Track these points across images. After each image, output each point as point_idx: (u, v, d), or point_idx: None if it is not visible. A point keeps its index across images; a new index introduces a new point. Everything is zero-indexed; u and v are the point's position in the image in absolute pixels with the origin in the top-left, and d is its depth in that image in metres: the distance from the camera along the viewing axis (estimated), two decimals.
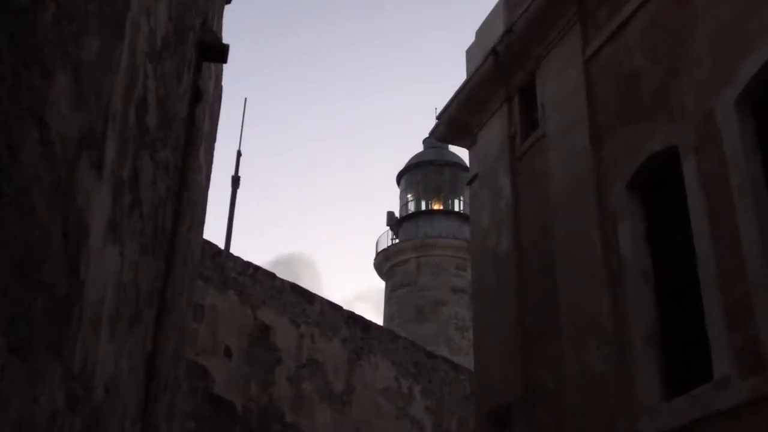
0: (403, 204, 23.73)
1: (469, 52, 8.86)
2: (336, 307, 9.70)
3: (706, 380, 4.88)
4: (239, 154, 11.85)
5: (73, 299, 1.89)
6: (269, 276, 9.08)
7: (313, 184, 61.38)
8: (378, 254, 22.58)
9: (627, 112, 6.19)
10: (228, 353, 8.34)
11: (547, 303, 6.59)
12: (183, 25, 3.21)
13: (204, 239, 7.12)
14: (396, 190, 24.65)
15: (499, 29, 8.11)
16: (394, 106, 62.21)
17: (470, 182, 8.81)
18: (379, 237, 23.17)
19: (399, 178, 24.25)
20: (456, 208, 23.41)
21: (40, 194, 1.58)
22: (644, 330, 5.51)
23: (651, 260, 5.72)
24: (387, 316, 21.18)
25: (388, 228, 23.04)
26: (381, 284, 22.93)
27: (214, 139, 5.23)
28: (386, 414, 9.83)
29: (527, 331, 6.83)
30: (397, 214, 23.34)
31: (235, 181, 11.46)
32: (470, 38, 8.98)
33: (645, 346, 5.46)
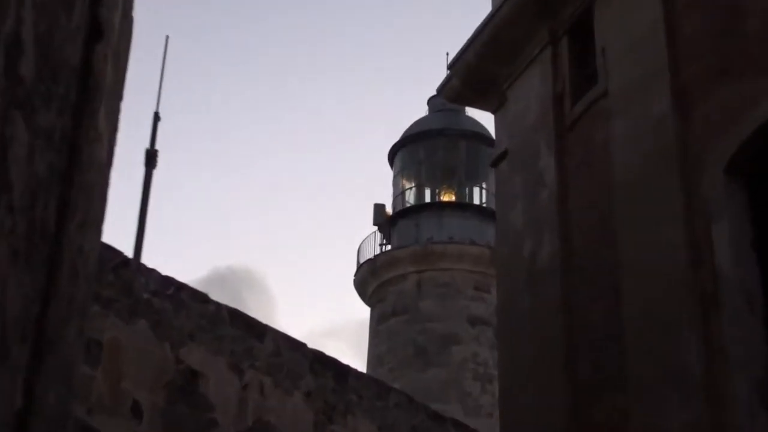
0: (398, 193, 23.78)
1: None
2: (297, 346, 9.71)
3: None
4: (157, 117, 11.82)
5: None
6: (199, 298, 9.07)
7: (266, 164, 61.18)
8: (360, 267, 22.62)
9: (726, 63, 6.23)
10: (137, 411, 8.33)
11: (608, 339, 6.63)
12: None
13: (103, 243, 7.11)
14: (387, 173, 24.73)
15: None
16: (386, 50, 62.09)
17: (497, 162, 8.83)
18: (362, 242, 23.27)
19: (392, 154, 24.30)
20: (475, 200, 23.49)
21: None
22: (749, 378, 5.55)
23: (760, 277, 5.77)
24: (373, 358, 21.24)
25: (376, 229, 23.07)
26: (364, 312, 22.93)
27: (120, 96, 5.23)
28: None
29: (578, 381, 6.87)
30: (388, 208, 23.38)
31: (151, 158, 11.42)
32: None
33: (750, 402, 5.49)
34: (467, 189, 23.68)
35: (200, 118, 62.08)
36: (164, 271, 8.95)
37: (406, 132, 24.14)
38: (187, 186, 61.11)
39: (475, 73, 8.72)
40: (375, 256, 22.40)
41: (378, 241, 22.96)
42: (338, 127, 61.56)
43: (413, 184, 23.88)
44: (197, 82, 61.27)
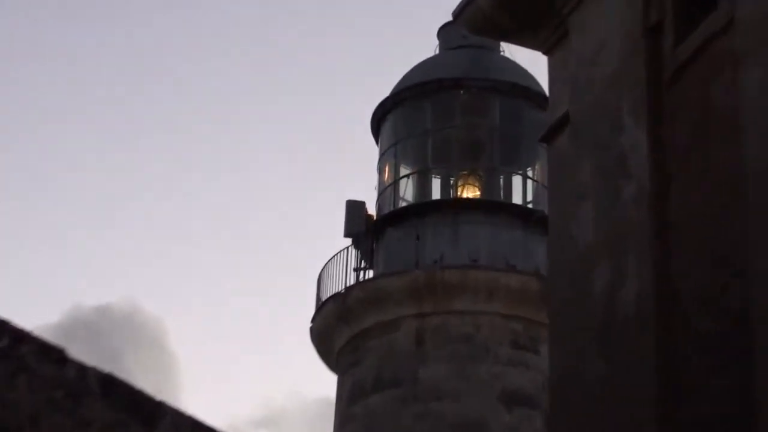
0: (387, 185, 23.78)
1: None
2: None
3: None
4: None
5: None
6: (51, 357, 8.96)
7: (167, 132, 61.19)
8: (322, 307, 22.67)
9: None
10: None
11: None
12: None
13: None
14: (371, 151, 24.73)
15: None
16: None
17: (551, 135, 9.00)
18: (326, 265, 23.31)
19: (378, 120, 24.27)
20: (515, 198, 23.55)
21: None
22: None
23: None
24: None
25: (350, 243, 23.04)
26: (328, 383, 22.95)
27: None
28: None
29: None
30: (371, 209, 23.37)
31: None
32: None
33: None
34: (502, 178, 23.74)
35: (60, 52, 61.77)
36: None
37: (401, 82, 24.18)
38: (30, 172, 60.90)
39: None
40: (347, 288, 22.44)
41: (352, 263, 23.02)
42: (292, 75, 61.90)
43: (412, 170, 23.84)
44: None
